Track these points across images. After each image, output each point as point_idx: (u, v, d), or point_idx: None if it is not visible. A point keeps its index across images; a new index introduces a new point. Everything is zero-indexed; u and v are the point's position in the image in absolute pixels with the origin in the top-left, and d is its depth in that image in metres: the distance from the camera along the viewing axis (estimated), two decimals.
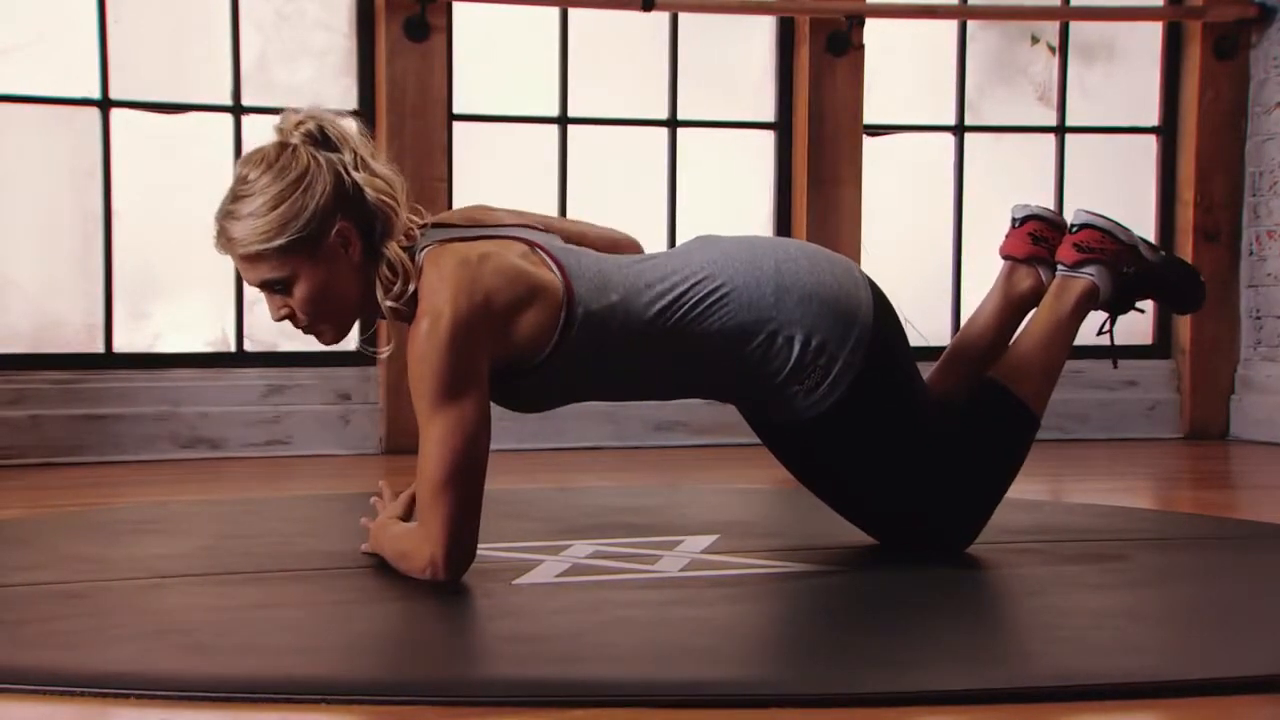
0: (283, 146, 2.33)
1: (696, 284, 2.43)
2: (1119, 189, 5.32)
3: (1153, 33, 5.35)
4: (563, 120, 5.01)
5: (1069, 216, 2.83)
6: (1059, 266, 2.77)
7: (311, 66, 4.83)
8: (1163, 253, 2.86)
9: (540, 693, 1.75)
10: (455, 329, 2.26)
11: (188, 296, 4.66)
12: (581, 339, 2.37)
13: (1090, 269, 2.74)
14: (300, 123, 2.34)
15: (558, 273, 2.39)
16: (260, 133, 4.59)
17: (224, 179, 2.43)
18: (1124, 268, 2.76)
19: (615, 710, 1.70)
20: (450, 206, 4.80)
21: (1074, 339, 2.76)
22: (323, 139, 2.34)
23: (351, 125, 2.39)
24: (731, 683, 1.81)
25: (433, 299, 2.29)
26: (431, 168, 4.77)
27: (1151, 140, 5.38)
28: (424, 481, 2.29)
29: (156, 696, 1.73)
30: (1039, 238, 2.82)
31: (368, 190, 2.32)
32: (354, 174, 2.32)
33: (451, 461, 2.27)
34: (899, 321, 2.58)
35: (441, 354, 2.26)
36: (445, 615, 2.19)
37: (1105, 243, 2.75)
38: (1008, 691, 1.76)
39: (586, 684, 1.78)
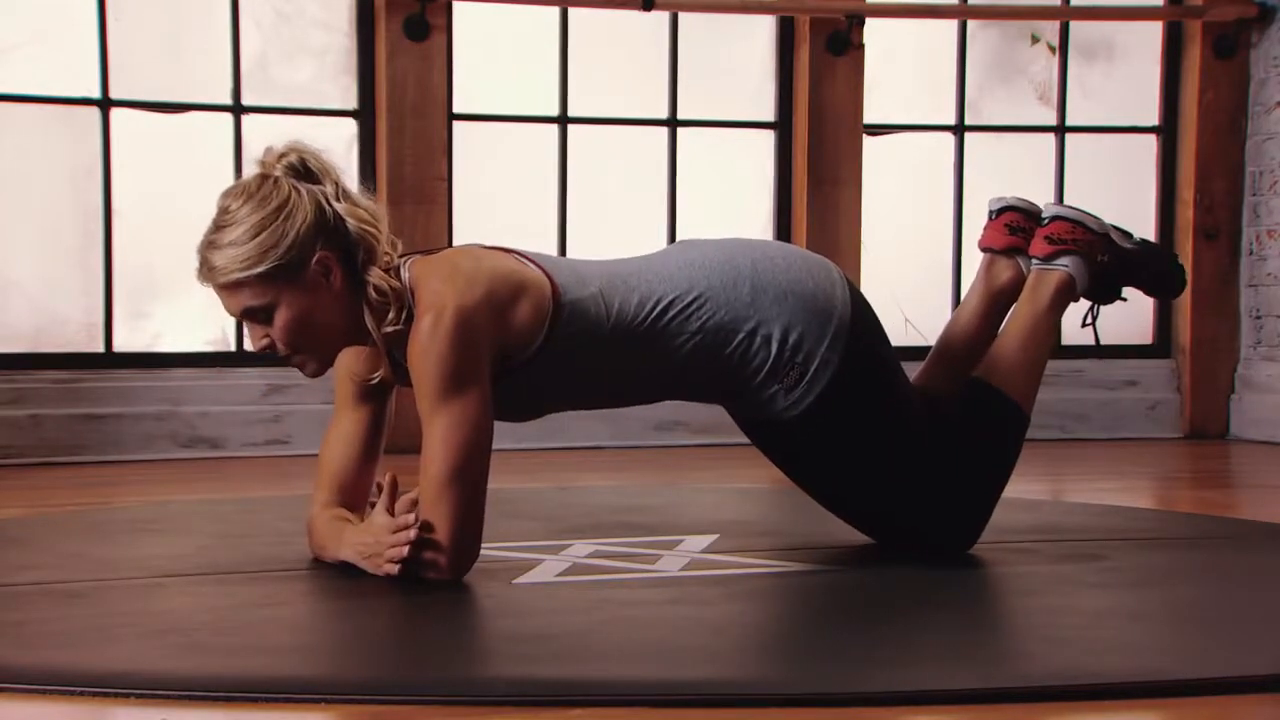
0: (264, 178, 2.35)
1: (676, 297, 2.45)
2: (1119, 189, 5.32)
3: (1153, 32, 5.35)
4: (563, 120, 5.01)
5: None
6: (1033, 261, 2.78)
7: (311, 66, 4.83)
8: (1137, 239, 2.86)
9: (540, 692, 1.75)
10: (459, 323, 2.28)
11: (188, 296, 4.65)
12: (570, 330, 2.39)
13: (1064, 260, 2.75)
14: (282, 155, 2.37)
15: (538, 270, 2.42)
16: (260, 132, 4.62)
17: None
18: (1098, 256, 2.77)
19: (615, 710, 1.70)
20: (450, 207, 4.81)
21: (1056, 332, 2.78)
22: (304, 171, 2.36)
23: (333, 159, 2.41)
24: (731, 683, 1.81)
25: (433, 299, 2.30)
26: (431, 168, 4.77)
27: (1151, 140, 5.38)
28: (429, 479, 2.29)
29: (156, 696, 1.73)
30: (1016, 228, 2.83)
31: (349, 220, 2.35)
32: (335, 204, 2.35)
33: (456, 458, 2.27)
34: (878, 322, 2.60)
35: (446, 348, 2.27)
36: (445, 615, 2.19)
37: (1076, 233, 2.76)
38: (1008, 691, 1.76)
39: (586, 684, 1.78)
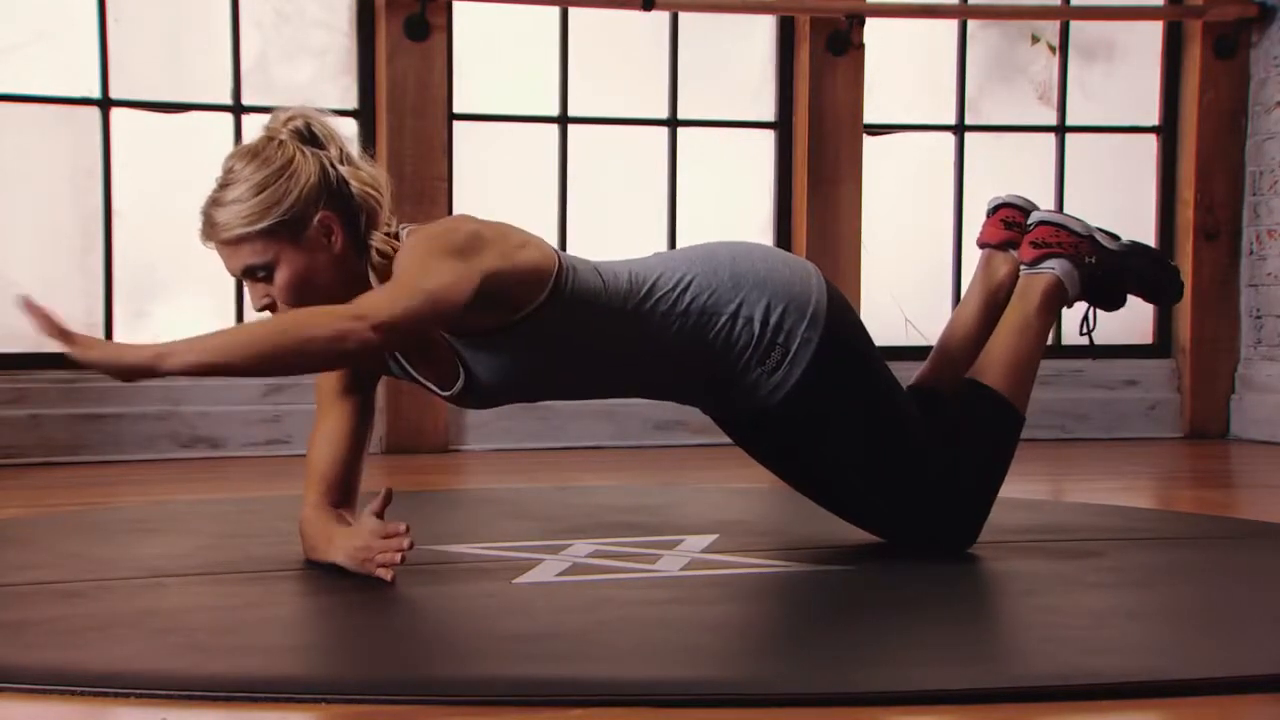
0: (269, 139, 2.38)
1: (661, 280, 2.50)
2: (1119, 188, 5.32)
3: (1153, 32, 5.35)
4: (563, 120, 5.01)
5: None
6: (1021, 267, 2.80)
7: (311, 66, 4.83)
8: (1124, 241, 2.87)
9: (540, 692, 1.75)
10: (467, 229, 2.32)
11: (188, 296, 4.66)
12: (571, 288, 2.41)
13: (1050, 263, 2.77)
14: (289, 119, 2.39)
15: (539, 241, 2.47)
16: (259, 132, 4.61)
17: None
18: (1085, 258, 2.78)
19: (615, 710, 1.70)
20: (450, 206, 4.81)
21: (1047, 334, 2.80)
22: (309, 135, 2.38)
23: (339, 124, 2.43)
24: (731, 682, 1.81)
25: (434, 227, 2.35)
26: (431, 168, 4.77)
27: (1151, 140, 5.38)
28: (395, 276, 2.28)
29: (156, 696, 1.73)
30: (1011, 223, 2.86)
31: (352, 183, 2.36)
32: (339, 167, 2.36)
33: (433, 281, 2.24)
34: (859, 322, 2.63)
35: (445, 236, 2.30)
36: (445, 615, 2.20)
37: (1060, 236, 2.78)
38: (1008, 691, 1.76)
39: (586, 683, 1.78)
